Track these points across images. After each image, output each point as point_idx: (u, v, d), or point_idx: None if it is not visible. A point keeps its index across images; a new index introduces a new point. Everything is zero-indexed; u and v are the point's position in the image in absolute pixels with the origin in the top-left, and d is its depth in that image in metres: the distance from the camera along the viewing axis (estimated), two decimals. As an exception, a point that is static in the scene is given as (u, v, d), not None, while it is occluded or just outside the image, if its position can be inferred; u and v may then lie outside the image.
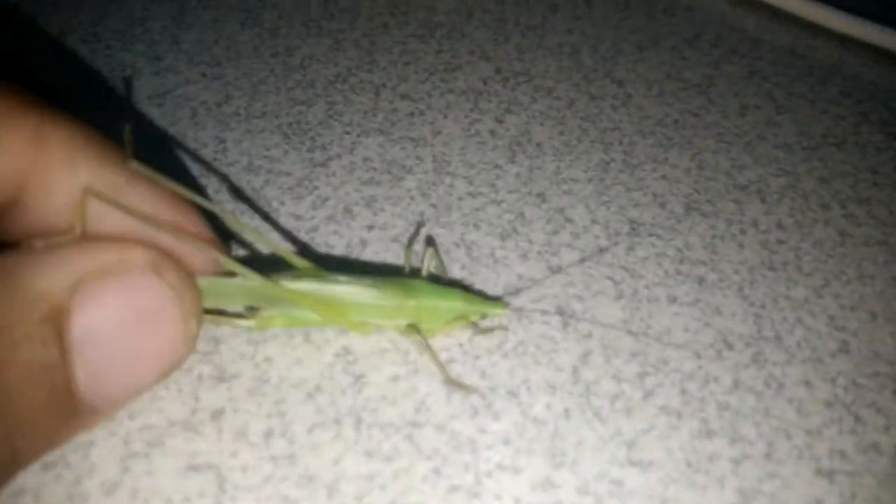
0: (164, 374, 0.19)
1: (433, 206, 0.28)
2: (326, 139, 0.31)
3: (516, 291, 0.25)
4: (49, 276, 0.16)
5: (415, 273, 0.24)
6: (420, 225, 0.27)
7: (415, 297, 0.22)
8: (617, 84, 0.34)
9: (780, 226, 0.28)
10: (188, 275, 0.19)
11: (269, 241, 0.23)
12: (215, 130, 0.31)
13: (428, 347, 0.22)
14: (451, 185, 0.29)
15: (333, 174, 0.29)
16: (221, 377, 0.22)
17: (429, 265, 0.25)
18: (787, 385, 0.23)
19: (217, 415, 0.21)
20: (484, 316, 0.23)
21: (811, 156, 0.31)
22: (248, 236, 0.26)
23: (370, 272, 0.23)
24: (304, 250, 0.26)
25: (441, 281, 0.25)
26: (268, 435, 0.21)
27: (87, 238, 0.18)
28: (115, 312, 0.17)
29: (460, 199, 0.28)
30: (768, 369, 0.23)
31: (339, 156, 0.30)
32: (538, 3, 0.39)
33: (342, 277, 0.22)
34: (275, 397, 0.22)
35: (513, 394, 0.22)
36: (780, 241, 0.27)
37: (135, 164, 0.19)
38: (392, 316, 0.22)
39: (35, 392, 0.16)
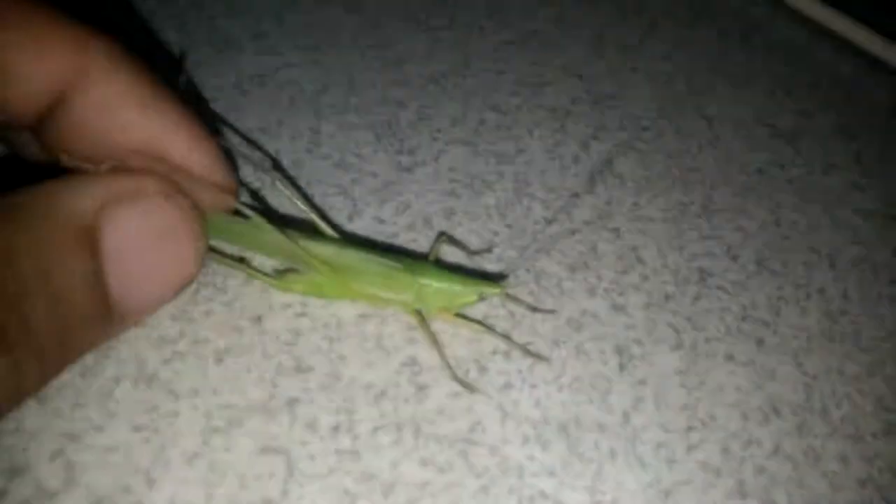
0: (179, 288, 0.22)
1: (508, 226, 0.29)
2: (414, 143, 0.32)
3: (577, 327, 0.26)
4: (81, 200, 0.20)
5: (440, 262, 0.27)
6: (492, 245, 0.29)
7: (419, 275, 0.25)
8: (707, 121, 0.35)
9: (845, 296, 0.28)
10: (195, 204, 0.22)
11: (301, 208, 0.26)
12: (311, 121, 0.32)
13: (432, 336, 0.25)
14: (528, 208, 0.30)
15: (418, 181, 0.31)
16: (299, 368, 0.24)
17: (437, 253, 0.27)
18: (825, 458, 0.24)
19: (292, 403, 0.23)
20: (484, 298, 0.25)
21: (890, 225, 0.31)
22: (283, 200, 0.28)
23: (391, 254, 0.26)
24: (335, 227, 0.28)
25: (446, 266, 0.27)
26: (335, 429, 0.23)
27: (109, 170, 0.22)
28: (136, 231, 0.20)
29: (536, 223, 0.30)
30: (809, 440, 0.24)
31: (424, 163, 0.31)
32: (637, 20, 0.40)
33: (358, 248, 0.25)
34: (345, 395, 0.24)
35: (563, 428, 0.24)
36: (843, 312, 0.28)
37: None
38: (397, 290, 0.25)
39: (77, 296, 0.19)
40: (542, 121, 0.34)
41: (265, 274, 0.26)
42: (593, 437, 0.23)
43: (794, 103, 0.36)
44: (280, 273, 0.26)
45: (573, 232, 0.29)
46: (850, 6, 0.40)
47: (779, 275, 0.29)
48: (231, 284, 0.26)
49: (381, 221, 0.29)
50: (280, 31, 0.36)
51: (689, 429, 0.24)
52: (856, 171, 0.33)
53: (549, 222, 0.30)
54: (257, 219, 0.24)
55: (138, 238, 0.21)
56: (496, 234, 0.29)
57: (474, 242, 0.29)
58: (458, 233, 0.29)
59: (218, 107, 0.32)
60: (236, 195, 0.25)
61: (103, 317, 0.21)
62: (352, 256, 0.25)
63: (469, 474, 0.22)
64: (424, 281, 0.25)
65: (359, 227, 0.29)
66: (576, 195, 0.31)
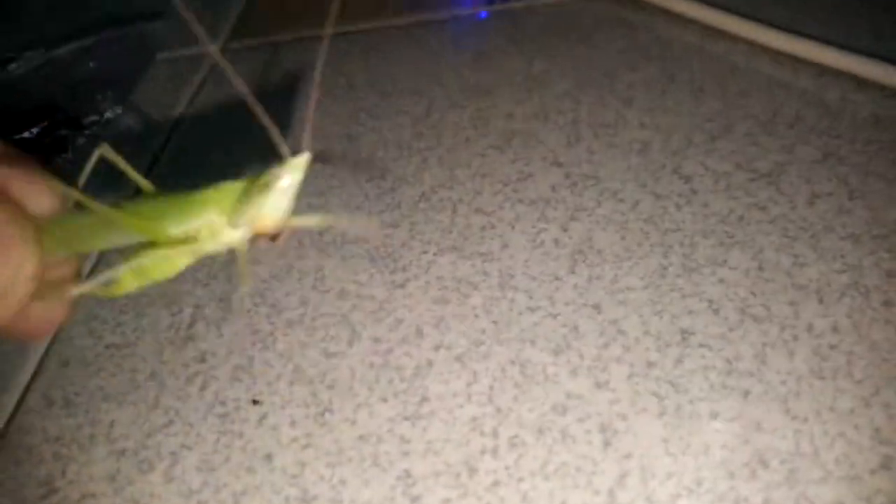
0: (12, 302, 0.21)
1: (494, 322, 0.31)
2: (406, 260, 0.35)
3: (563, 411, 0.27)
4: None
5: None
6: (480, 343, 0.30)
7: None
8: (684, 180, 0.35)
9: (835, 329, 0.28)
10: (16, 204, 0.22)
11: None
12: (316, 259, 0.36)
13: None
14: (512, 300, 0.32)
15: (410, 295, 0.33)
16: (304, 499, 0.26)
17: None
18: (825, 505, 0.23)
19: (297, 533, 0.25)
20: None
21: (879, 246, 0.30)
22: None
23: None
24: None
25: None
26: (336, 553, 0.25)
27: None
28: None
29: (520, 314, 0.31)
30: (801, 488, 0.23)
31: (416, 276, 0.34)
32: (614, 99, 0.41)
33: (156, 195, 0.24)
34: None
35: (551, 514, 0.24)
36: (833, 346, 0.27)
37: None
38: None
39: None
40: (524, 214, 0.36)
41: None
42: (580, 520, 0.24)
43: (774, 141, 0.36)
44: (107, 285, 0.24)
45: (555, 316, 0.31)
46: (830, 35, 0.40)
47: (763, 320, 0.29)
48: (245, 429, 0.29)
49: (377, 341, 0.31)
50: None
51: (676, 496, 0.24)
52: (843, 195, 0.33)
53: (533, 310, 0.31)
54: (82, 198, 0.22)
55: None
56: (483, 331, 0.31)
57: (462, 344, 0.30)
58: (448, 338, 0.31)
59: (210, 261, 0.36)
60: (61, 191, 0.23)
61: None
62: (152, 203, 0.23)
63: (461, 575, 0.23)
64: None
65: (357, 350, 0.31)
66: (557, 278, 0.32)
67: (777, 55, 0.41)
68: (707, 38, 0.44)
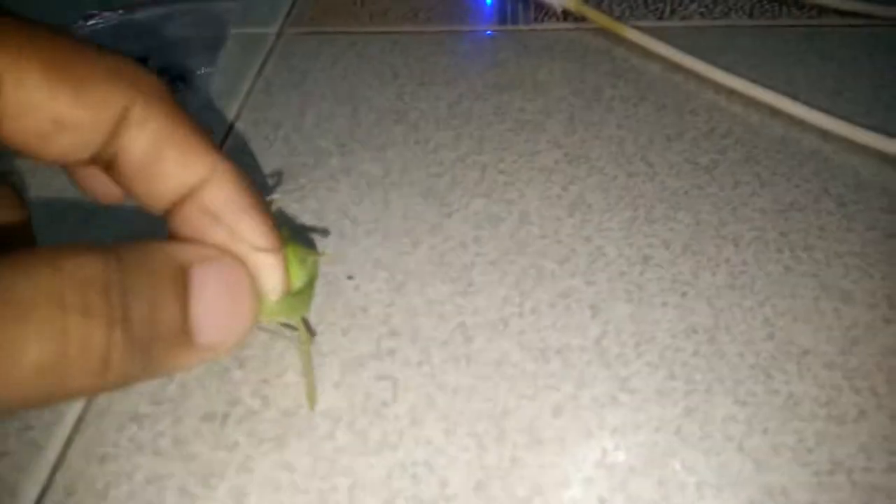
0: (238, 337, 0.27)
1: (517, 243, 0.45)
2: (450, 199, 0.48)
3: (566, 296, 0.41)
4: (180, 252, 0.25)
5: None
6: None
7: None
8: (648, 165, 0.50)
9: (744, 262, 0.43)
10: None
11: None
12: (380, 194, 0.49)
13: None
14: (528, 230, 0.45)
15: (455, 222, 0.46)
16: None
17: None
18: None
19: (390, 353, 0.38)
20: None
21: (778, 217, 0.45)
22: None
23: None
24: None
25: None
26: None
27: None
28: (215, 281, 0.26)
29: (535, 238, 0.45)
30: (717, 347, 0.38)
31: (458, 210, 0.47)
32: (599, 106, 0.56)
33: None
34: None
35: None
36: (742, 272, 0.42)
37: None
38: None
39: (168, 312, 0.24)
40: (535, 177, 0.50)
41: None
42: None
43: (712, 145, 0.51)
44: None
45: (559, 241, 0.44)
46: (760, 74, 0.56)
47: (697, 254, 0.43)
48: (339, 300, 0.42)
49: (433, 248, 0.44)
50: (356, 143, 0.53)
51: (637, 344, 0.38)
52: (756, 184, 0.48)
53: (543, 237, 0.45)
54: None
55: (216, 287, 0.26)
56: (509, 248, 0.44)
57: (494, 254, 0.44)
58: (485, 249, 0.44)
59: (309, 192, 0.49)
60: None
61: (184, 339, 0.25)
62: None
63: None
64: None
65: (422, 251, 0.44)
66: (559, 219, 0.46)
67: (717, 86, 0.57)
68: (669, 70, 0.59)
